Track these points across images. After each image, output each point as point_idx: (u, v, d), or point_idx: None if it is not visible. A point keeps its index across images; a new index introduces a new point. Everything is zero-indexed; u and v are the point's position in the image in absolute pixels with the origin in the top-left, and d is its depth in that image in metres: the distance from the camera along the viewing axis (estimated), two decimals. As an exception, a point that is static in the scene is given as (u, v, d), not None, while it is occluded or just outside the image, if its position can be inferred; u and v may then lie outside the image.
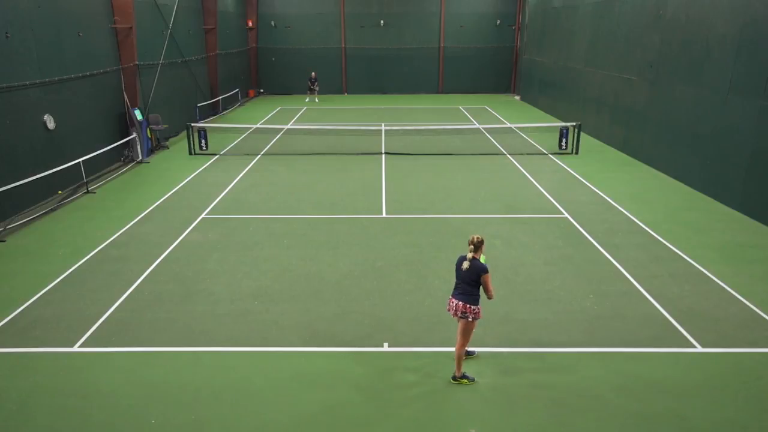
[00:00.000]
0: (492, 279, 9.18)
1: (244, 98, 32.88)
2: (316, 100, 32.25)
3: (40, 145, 13.57)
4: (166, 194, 14.23)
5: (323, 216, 12.48)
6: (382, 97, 34.57)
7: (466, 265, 6.22)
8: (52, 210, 13.00)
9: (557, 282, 9.17)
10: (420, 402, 6.29)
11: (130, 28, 17.48)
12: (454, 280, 6.54)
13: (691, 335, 7.56)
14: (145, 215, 12.61)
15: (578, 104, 22.97)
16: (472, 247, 6.27)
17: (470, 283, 6.25)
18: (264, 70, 36.35)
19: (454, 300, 6.36)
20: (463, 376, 6.61)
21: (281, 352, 7.28)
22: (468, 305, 6.25)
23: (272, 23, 35.31)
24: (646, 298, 8.59)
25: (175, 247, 10.75)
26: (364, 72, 36.15)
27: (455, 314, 6.36)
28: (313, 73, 32.53)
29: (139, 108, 18.17)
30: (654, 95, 16.61)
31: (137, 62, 18.15)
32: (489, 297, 6.29)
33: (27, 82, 13.07)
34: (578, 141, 18.59)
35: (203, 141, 18.88)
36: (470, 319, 6.30)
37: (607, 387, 6.51)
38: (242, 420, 6.02)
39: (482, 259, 6.32)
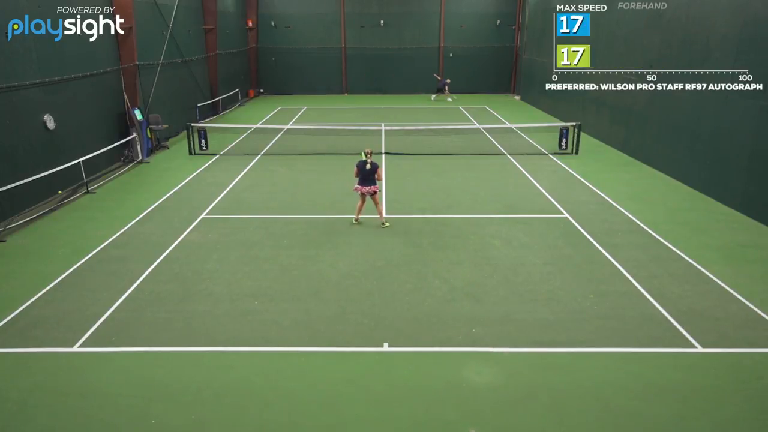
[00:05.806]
0: (492, 279, 9.24)
1: (244, 98, 32.88)
2: (449, 99, 32.61)
3: (40, 145, 13.57)
4: (166, 194, 14.22)
5: (323, 216, 12.48)
6: (382, 97, 34.56)
7: (368, 166, 11.15)
8: (52, 210, 13.00)
9: (557, 282, 9.16)
10: (420, 402, 6.29)
11: (130, 28, 17.48)
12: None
13: (691, 335, 7.56)
14: (145, 215, 12.61)
15: (578, 104, 22.96)
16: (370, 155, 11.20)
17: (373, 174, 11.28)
18: (264, 70, 36.33)
19: (365, 187, 11.28)
20: None
21: (281, 352, 7.28)
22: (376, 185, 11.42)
23: (272, 23, 35.30)
24: (646, 298, 8.59)
25: (175, 247, 10.75)
26: (364, 72, 36.12)
27: (368, 193, 11.32)
28: (436, 76, 33.99)
29: (139, 108, 18.16)
30: (654, 95, 16.59)
31: (137, 62, 18.15)
32: (379, 179, 11.47)
33: (27, 82, 13.07)
34: (578, 141, 18.58)
35: (203, 141, 18.87)
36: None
37: (607, 387, 6.51)
38: (242, 420, 6.02)
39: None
